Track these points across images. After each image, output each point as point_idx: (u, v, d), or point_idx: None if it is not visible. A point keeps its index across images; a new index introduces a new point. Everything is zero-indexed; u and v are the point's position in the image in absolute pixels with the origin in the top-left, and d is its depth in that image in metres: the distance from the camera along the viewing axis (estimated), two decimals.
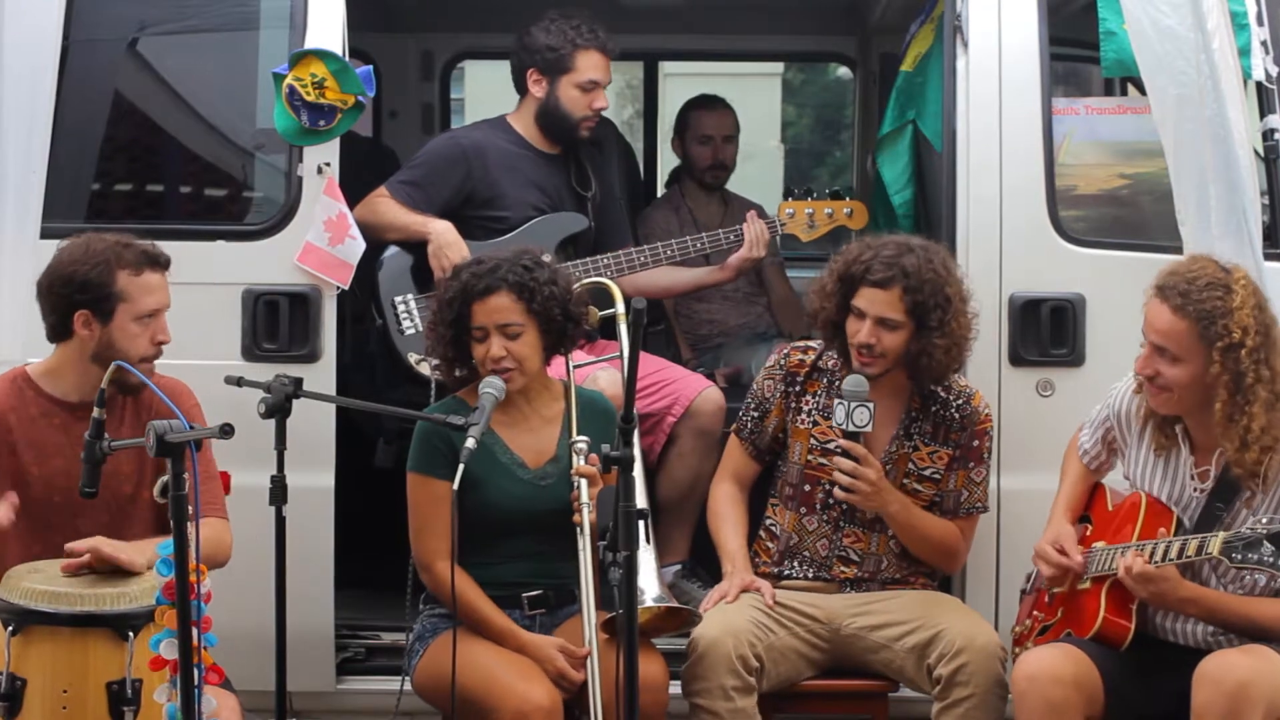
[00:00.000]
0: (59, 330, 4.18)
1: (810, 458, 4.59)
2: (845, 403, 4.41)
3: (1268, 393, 4.02)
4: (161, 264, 4.21)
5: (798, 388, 4.65)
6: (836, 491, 4.47)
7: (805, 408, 4.63)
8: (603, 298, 4.82)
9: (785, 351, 4.72)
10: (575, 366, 4.63)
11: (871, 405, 4.41)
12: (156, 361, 4.23)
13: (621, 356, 4.76)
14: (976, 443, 4.58)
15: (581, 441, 4.30)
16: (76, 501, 4.01)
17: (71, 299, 4.12)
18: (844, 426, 4.42)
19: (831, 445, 4.55)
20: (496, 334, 4.36)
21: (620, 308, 4.77)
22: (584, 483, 4.27)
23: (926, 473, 4.57)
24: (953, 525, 4.60)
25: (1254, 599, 4.12)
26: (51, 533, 4.08)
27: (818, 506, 4.60)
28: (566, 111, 5.43)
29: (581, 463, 4.26)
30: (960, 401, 4.58)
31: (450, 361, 4.48)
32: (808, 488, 4.61)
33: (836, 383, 4.59)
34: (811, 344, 4.72)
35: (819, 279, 4.63)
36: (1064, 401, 4.77)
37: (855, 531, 4.59)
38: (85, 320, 4.13)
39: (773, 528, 4.69)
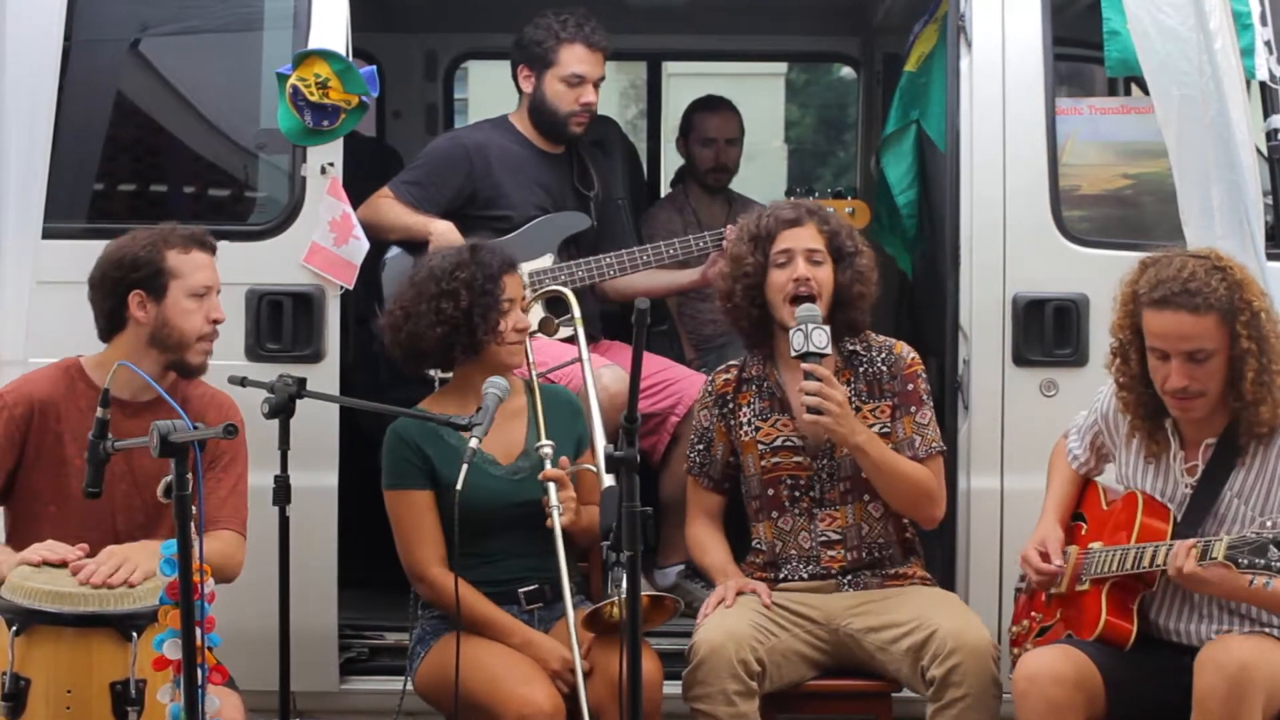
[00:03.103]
0: (114, 320, 4.25)
1: (764, 463, 4.59)
2: (803, 326, 4.37)
3: None
4: (208, 246, 4.32)
5: (730, 405, 4.66)
6: (804, 416, 4.39)
7: (744, 419, 4.63)
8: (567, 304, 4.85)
9: (710, 379, 4.74)
10: (540, 374, 4.67)
11: (828, 329, 4.39)
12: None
13: (583, 360, 4.74)
14: (911, 386, 4.57)
15: (548, 445, 4.34)
16: (116, 498, 4.05)
17: (125, 280, 4.21)
18: (804, 349, 4.36)
19: (780, 442, 4.57)
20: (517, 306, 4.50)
21: (576, 312, 4.80)
22: (553, 487, 4.29)
23: (875, 429, 4.54)
24: (921, 465, 4.54)
25: None
26: (89, 528, 4.08)
27: (785, 503, 4.60)
28: (554, 106, 5.44)
29: (550, 467, 4.28)
30: (884, 355, 4.60)
31: (471, 338, 4.46)
32: (771, 491, 4.61)
33: (766, 383, 4.62)
34: (733, 363, 4.73)
35: (723, 260, 4.68)
36: (1067, 402, 4.77)
37: (829, 514, 4.58)
38: (140, 301, 4.21)
39: (758, 545, 4.69)
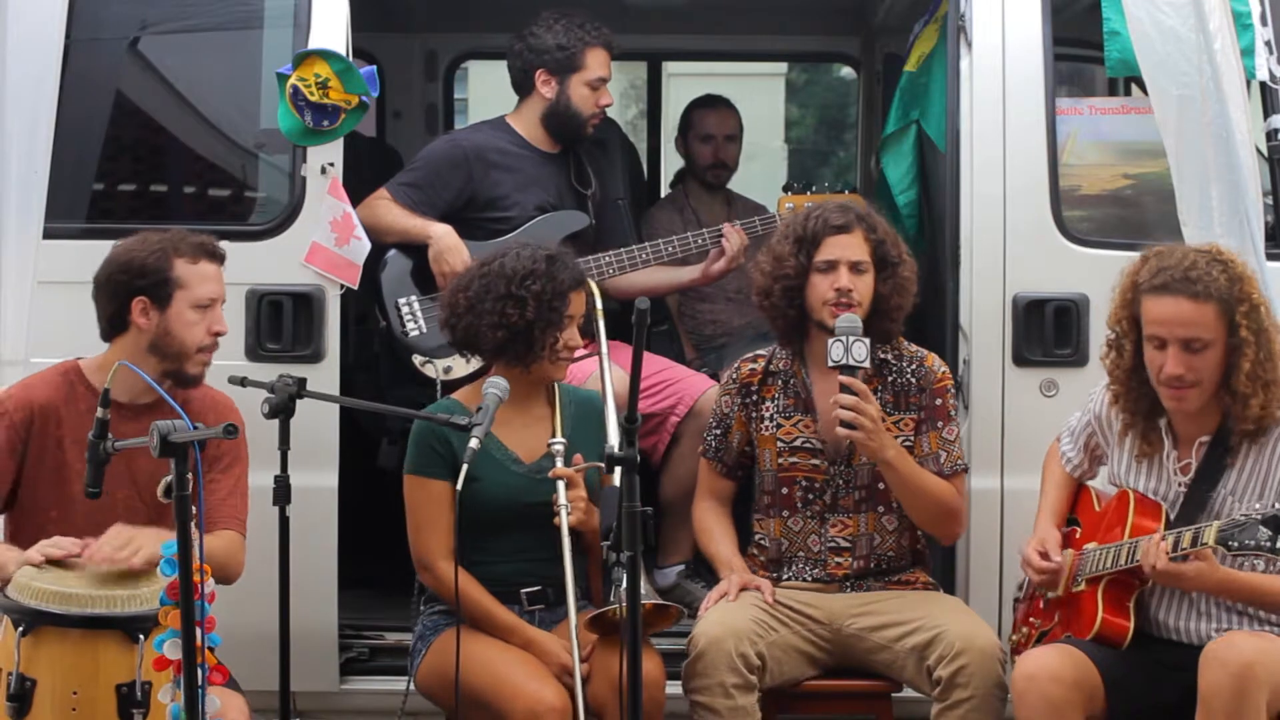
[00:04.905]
0: (115, 323, 4.22)
1: (781, 460, 4.59)
2: (843, 338, 4.35)
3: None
4: (217, 256, 4.29)
5: (754, 397, 4.65)
6: (838, 430, 4.37)
7: (766, 414, 4.63)
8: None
9: (736, 366, 4.73)
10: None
11: (868, 341, 4.38)
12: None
13: (601, 354, 4.76)
14: (939, 401, 4.56)
15: (559, 443, 4.34)
16: (118, 502, 4.05)
17: (130, 285, 4.18)
18: (843, 361, 4.35)
19: (799, 442, 4.57)
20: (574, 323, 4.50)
21: (599, 303, 4.81)
22: (562, 485, 4.29)
23: (897, 441, 4.54)
24: (946, 482, 4.54)
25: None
26: (92, 533, 4.03)
27: (799, 505, 4.60)
28: (577, 110, 5.45)
29: (561, 464, 4.28)
30: (914, 366, 4.58)
31: (528, 349, 4.45)
32: (785, 490, 4.60)
33: (792, 380, 4.61)
34: (760, 353, 4.72)
35: (764, 256, 4.63)
36: (1068, 402, 4.77)
37: (841, 520, 4.58)
38: (143, 308, 4.17)
39: (761, 540, 4.68)
